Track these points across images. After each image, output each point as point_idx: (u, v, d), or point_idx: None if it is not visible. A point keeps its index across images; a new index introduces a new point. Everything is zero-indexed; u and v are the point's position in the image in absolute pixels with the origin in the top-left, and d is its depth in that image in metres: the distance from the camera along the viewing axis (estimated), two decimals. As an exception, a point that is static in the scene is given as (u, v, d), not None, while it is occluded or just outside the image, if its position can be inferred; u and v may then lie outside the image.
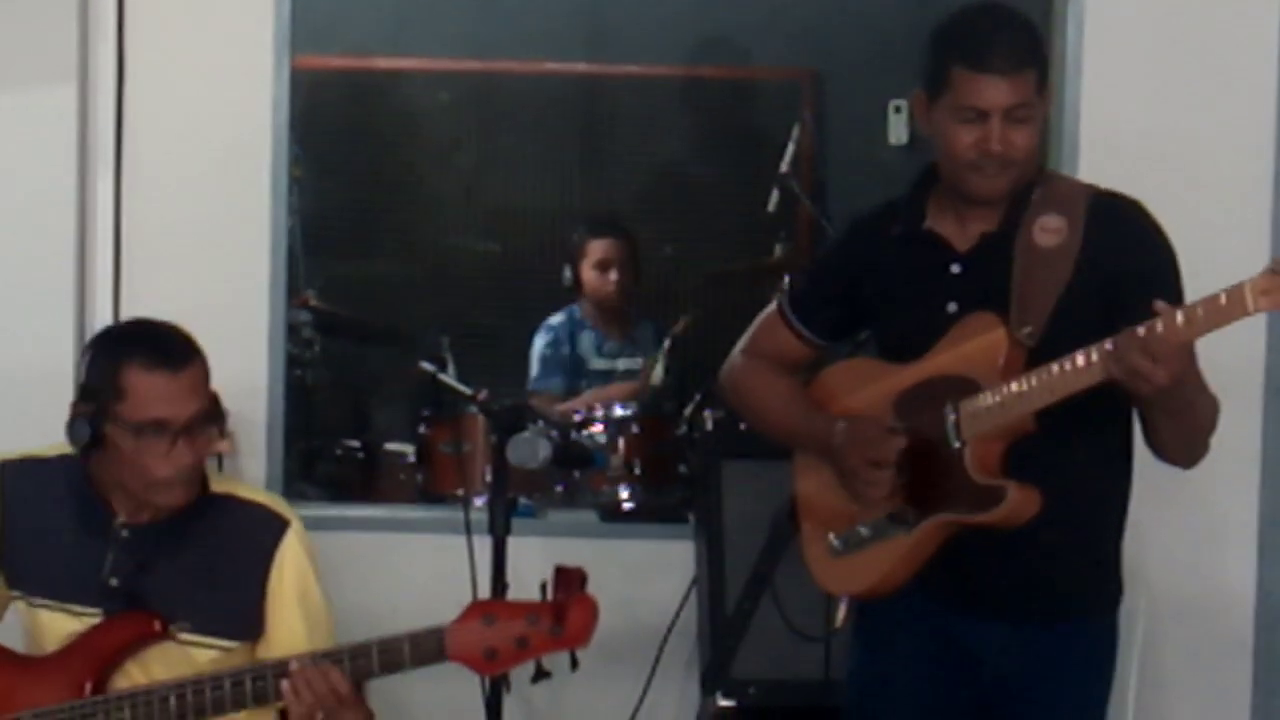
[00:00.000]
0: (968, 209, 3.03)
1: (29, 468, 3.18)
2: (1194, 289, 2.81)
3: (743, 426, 3.69)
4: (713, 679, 3.84)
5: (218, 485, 3.16)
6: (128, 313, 3.95)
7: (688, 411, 4.67)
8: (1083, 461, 2.99)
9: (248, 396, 3.95)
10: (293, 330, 4.84)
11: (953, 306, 3.00)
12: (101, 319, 4.03)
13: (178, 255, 4.11)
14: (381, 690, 3.02)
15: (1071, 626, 3.05)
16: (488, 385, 3.70)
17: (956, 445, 2.92)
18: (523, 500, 3.94)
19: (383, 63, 6.52)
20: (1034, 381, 2.84)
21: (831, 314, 3.22)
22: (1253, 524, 4.13)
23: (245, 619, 3.10)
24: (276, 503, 3.24)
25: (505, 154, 6.55)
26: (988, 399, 2.89)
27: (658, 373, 5.13)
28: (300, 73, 4.27)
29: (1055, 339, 2.87)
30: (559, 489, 4.52)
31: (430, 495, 4.59)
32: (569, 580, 2.85)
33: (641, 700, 4.10)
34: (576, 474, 4.51)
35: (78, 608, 3.08)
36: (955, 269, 3.03)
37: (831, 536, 3.10)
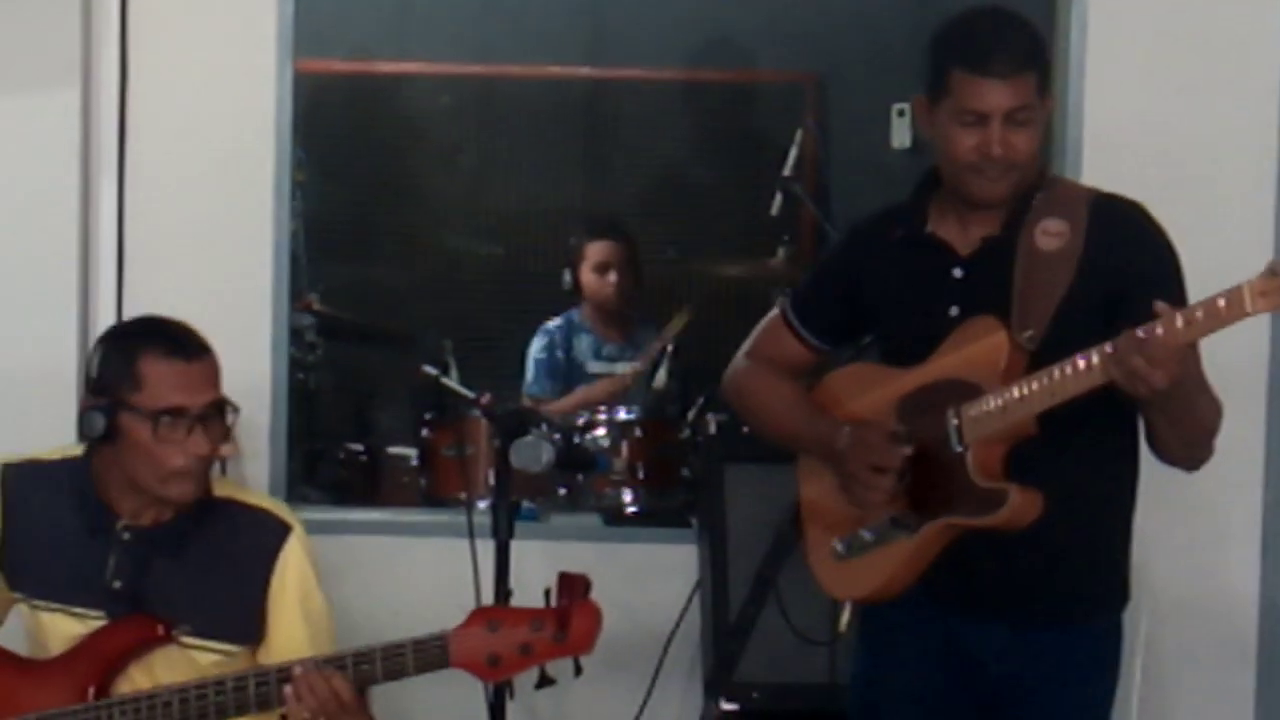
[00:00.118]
0: (969, 213, 3.03)
1: (32, 470, 3.19)
2: (1197, 292, 2.80)
3: (746, 430, 3.69)
4: (716, 683, 3.84)
5: (220, 490, 3.17)
6: (130, 315, 3.95)
7: (691, 415, 4.67)
8: (1085, 464, 2.98)
9: (250, 399, 3.92)
10: (295, 334, 4.83)
11: (955, 311, 3.00)
12: (104, 321, 4.03)
13: (180, 258, 4.11)
14: (385, 696, 3.01)
15: (1075, 629, 3.05)
16: (490, 388, 3.70)
17: (959, 449, 2.92)
18: (525, 504, 3.94)
19: (385, 66, 6.52)
20: (1035, 385, 2.83)
21: (834, 318, 3.22)
22: (1256, 526, 4.13)
23: (247, 623, 3.10)
24: (279, 507, 3.25)
25: (508, 157, 6.55)
26: (989, 403, 2.89)
27: (660, 376, 5.13)
28: (302, 76, 4.27)
29: (1057, 342, 2.86)
30: (562, 492, 4.50)
31: (433, 499, 4.59)
32: (572, 587, 2.85)
33: (645, 705, 4.10)
34: (579, 477, 4.50)
35: (80, 610, 3.09)
36: (957, 273, 3.03)
37: (835, 541, 3.10)
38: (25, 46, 4.06)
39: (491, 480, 3.53)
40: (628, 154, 6.57)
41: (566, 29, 6.49)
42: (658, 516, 4.46)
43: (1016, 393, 2.86)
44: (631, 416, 4.57)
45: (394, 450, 5.04)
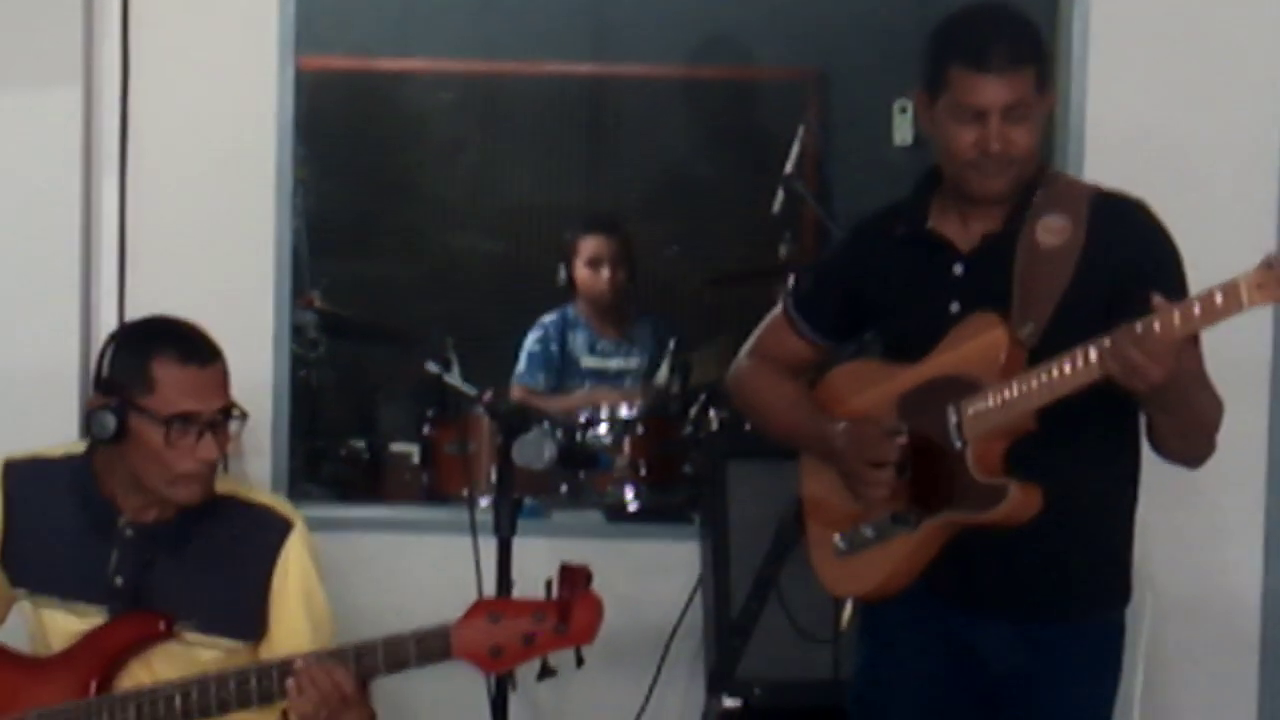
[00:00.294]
0: (970, 209, 3.03)
1: (35, 467, 3.19)
2: (1198, 288, 2.80)
3: (748, 427, 3.69)
4: (718, 679, 3.85)
5: (221, 486, 3.16)
6: (132, 313, 3.95)
7: (693, 412, 4.67)
8: (1086, 461, 2.98)
9: (253, 397, 3.92)
10: (298, 331, 4.84)
11: (955, 307, 3.00)
12: (106, 319, 4.03)
13: (182, 256, 4.12)
14: (387, 687, 3.01)
15: (1076, 625, 3.05)
16: (492, 386, 3.71)
17: (959, 445, 2.92)
18: (528, 500, 3.94)
19: (386, 63, 6.53)
20: (1034, 381, 2.84)
21: (835, 315, 3.22)
22: (1258, 523, 4.13)
23: (248, 619, 3.10)
24: (280, 504, 3.25)
25: (509, 154, 6.55)
26: (989, 399, 2.89)
27: (662, 373, 5.13)
28: (304, 74, 4.27)
29: (1057, 338, 2.86)
30: (564, 489, 4.51)
31: (435, 496, 4.60)
32: (574, 578, 2.85)
33: (647, 700, 4.10)
34: (581, 474, 4.51)
35: (82, 606, 3.09)
36: (958, 270, 3.03)
37: (836, 537, 3.11)
38: (27, 45, 4.06)
39: (494, 477, 3.54)
40: (629, 151, 6.57)
41: (568, 26, 6.49)
42: (660, 513, 4.47)
43: (1016, 389, 2.86)
44: (634, 414, 4.58)
45: (396, 447, 5.04)
